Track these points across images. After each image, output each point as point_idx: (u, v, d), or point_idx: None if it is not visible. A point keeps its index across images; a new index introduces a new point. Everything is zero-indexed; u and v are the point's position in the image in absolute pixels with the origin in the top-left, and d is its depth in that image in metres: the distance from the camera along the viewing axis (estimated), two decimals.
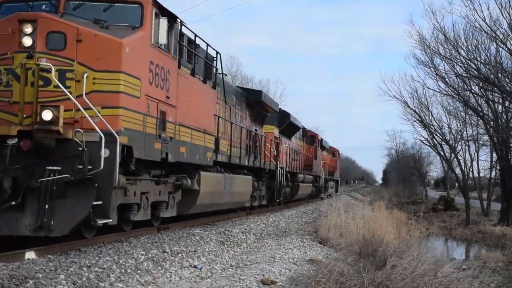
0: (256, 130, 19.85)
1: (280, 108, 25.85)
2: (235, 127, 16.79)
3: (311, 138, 35.11)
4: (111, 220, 9.01)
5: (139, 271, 8.01)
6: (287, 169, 25.02)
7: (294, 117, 27.90)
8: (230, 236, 12.86)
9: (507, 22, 21.89)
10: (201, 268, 9.16)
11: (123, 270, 7.80)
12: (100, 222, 8.72)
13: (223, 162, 15.28)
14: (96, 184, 8.21)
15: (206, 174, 13.24)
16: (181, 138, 11.42)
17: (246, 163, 17.84)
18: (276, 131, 24.06)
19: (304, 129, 33.17)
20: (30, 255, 7.77)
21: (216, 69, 14.70)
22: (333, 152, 50.60)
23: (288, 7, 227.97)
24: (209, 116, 13.61)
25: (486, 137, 33.67)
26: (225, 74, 17.92)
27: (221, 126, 14.94)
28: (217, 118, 14.56)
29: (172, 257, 9.28)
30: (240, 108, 17.98)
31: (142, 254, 8.88)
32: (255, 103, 19.42)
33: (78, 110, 8.57)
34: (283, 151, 24.99)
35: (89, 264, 7.63)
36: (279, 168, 22.25)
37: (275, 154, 22.52)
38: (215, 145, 14.11)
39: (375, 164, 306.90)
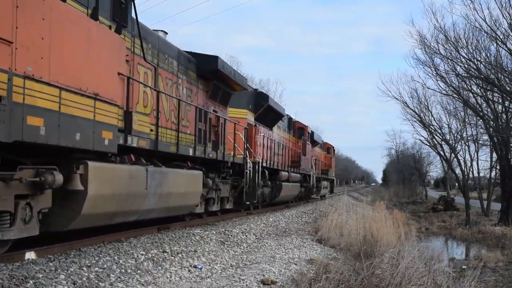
0: (215, 111, 15.17)
1: (257, 89, 22.42)
2: (170, 100, 11.93)
3: (299, 130, 30.33)
4: None
5: (139, 271, 8.01)
6: (267, 165, 21.46)
7: (274, 101, 23.46)
8: (230, 236, 12.86)
9: (507, 22, 21.91)
10: (201, 268, 9.16)
11: (123, 270, 7.80)
12: None
13: (145, 149, 10.49)
14: None
15: (99, 166, 8.55)
16: (28, 100, 6.64)
17: (191, 153, 12.87)
18: (250, 117, 19.64)
19: (290, 119, 29.02)
20: (30, 255, 7.77)
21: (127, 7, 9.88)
22: (328, 148, 46.08)
23: (288, 7, 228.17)
24: (107, 74, 8.61)
25: (486, 137, 33.72)
26: (165, 32, 12.81)
27: (137, 95, 10.33)
28: (127, 80, 9.61)
29: (172, 257, 9.29)
30: (186, 78, 13.27)
31: (142, 254, 8.88)
32: (211, 73, 14.40)
33: None
34: (260, 142, 20.67)
35: (89, 264, 7.64)
36: (248, 162, 17.67)
37: (246, 144, 17.76)
38: (125, 122, 9.64)
39: (375, 164, 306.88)
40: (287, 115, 28.05)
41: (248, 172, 17.50)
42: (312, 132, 34.45)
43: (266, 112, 21.25)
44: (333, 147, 48.59)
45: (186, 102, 12.89)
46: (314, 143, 35.11)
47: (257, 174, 18.43)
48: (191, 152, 12.84)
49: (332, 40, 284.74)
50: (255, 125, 20.12)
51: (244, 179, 17.20)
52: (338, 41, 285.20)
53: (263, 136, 21.30)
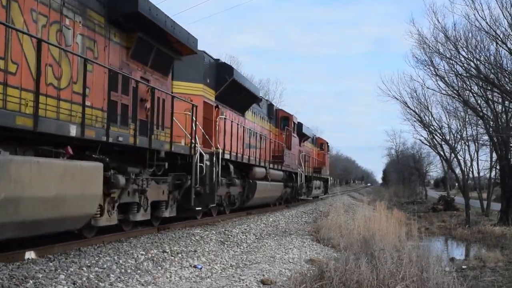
0: (148, 80, 11.08)
1: (218, 60, 16.35)
2: (45, 48, 7.67)
3: (283, 120, 25.73)
4: None
5: (139, 271, 8.01)
6: (234, 158, 17.26)
7: (243, 77, 18.38)
8: (230, 236, 12.86)
9: (508, 22, 21.91)
10: (201, 268, 9.16)
11: (123, 270, 7.80)
12: None
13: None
14: None
15: None
16: None
17: (74, 133, 8.26)
18: (207, 94, 15.14)
19: (271, 106, 24.82)
20: (30, 255, 7.77)
21: None
22: (321, 144, 41.49)
23: (289, 7, 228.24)
24: None
25: (486, 137, 33.71)
26: None
27: None
28: None
29: (172, 257, 9.29)
30: (83, 21, 8.85)
31: (142, 254, 8.88)
32: (131, 20, 9.97)
33: None
34: (224, 128, 16.40)
35: (89, 264, 7.64)
36: (201, 152, 13.15)
37: (195, 128, 13.16)
38: None
39: (375, 164, 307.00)
40: (267, 101, 24.98)
41: (203, 166, 13.16)
42: (300, 124, 29.62)
43: (232, 90, 16.63)
44: (327, 143, 43.95)
45: (80, 56, 8.54)
46: (303, 136, 30.91)
47: (214, 169, 14.31)
48: (73, 131, 8.18)
49: (332, 40, 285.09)
50: (217, 106, 15.80)
51: (191, 176, 12.62)
52: (338, 41, 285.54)
53: (230, 121, 17.13)
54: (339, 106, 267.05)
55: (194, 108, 13.15)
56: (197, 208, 13.49)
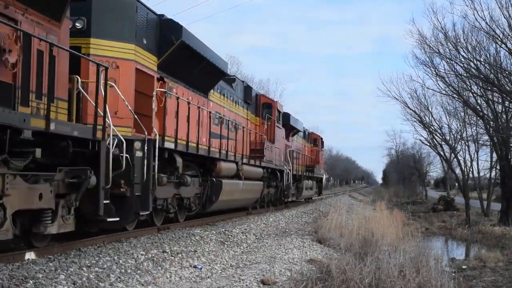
0: (15, 21, 7.24)
1: (163, 15, 12.21)
2: None
3: (265, 107, 21.74)
4: None
5: (139, 271, 8.01)
6: (187, 149, 13.05)
7: (199, 42, 13.22)
8: (230, 236, 12.87)
9: (507, 22, 21.92)
10: (201, 268, 9.16)
11: (123, 270, 7.80)
12: None
13: None
14: None
15: None
16: None
17: None
18: (143, 59, 11.19)
19: (249, 89, 20.31)
20: (30, 255, 7.77)
21: None
22: (314, 140, 36.72)
23: (292, 6, 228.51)
24: None
25: (486, 137, 33.73)
26: None
27: None
28: None
29: (172, 257, 9.29)
30: None
31: (142, 254, 8.89)
32: None
33: None
34: (177, 109, 12.46)
35: (89, 264, 7.64)
36: (111, 134, 9.18)
37: (105, 101, 9.02)
38: None
39: (375, 164, 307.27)
40: (244, 82, 20.52)
41: (129, 157, 9.73)
42: (287, 114, 25.69)
43: (186, 59, 12.72)
44: (321, 139, 39.10)
45: None
46: (292, 130, 27.11)
47: (151, 162, 10.61)
48: None
49: (335, 40, 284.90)
50: (161, 79, 11.88)
51: (100, 171, 8.61)
52: (342, 41, 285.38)
53: (186, 102, 13.00)
54: (340, 106, 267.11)
55: (103, 71, 8.90)
56: (109, 220, 9.02)
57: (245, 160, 18.37)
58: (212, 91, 15.61)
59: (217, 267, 9.65)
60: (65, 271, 7.06)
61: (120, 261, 8.18)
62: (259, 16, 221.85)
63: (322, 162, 40.34)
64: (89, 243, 9.26)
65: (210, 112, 15.09)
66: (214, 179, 15.30)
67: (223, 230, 13.38)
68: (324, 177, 44.70)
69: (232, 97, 18.04)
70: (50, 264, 7.37)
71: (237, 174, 17.36)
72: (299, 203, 30.63)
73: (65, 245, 8.70)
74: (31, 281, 6.38)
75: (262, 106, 21.74)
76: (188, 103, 13.19)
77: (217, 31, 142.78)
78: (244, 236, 13.47)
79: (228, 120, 17.05)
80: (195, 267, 9.16)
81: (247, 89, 20.26)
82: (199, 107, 13.99)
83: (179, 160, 12.65)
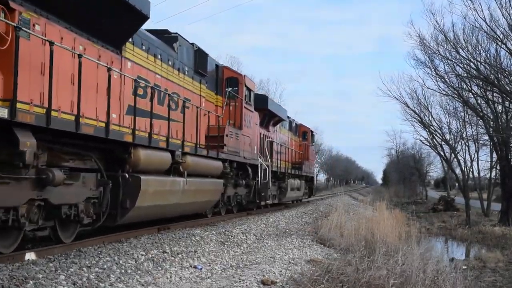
0: None
1: None
2: None
3: (229, 81, 16.98)
4: None
5: (139, 272, 8.01)
6: (57, 125, 8.01)
7: None
8: (230, 236, 12.86)
9: (507, 22, 21.92)
10: (201, 269, 9.16)
11: (123, 271, 7.80)
12: None
13: None
14: None
15: None
16: None
17: None
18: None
19: (201, 54, 14.84)
20: (30, 255, 7.77)
21: None
22: (303, 133, 31.90)
23: (293, 6, 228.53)
24: None
25: (486, 137, 33.75)
26: None
27: None
28: None
29: (172, 258, 9.29)
30: None
31: (142, 255, 8.89)
32: None
33: None
34: (33, 57, 7.76)
35: (89, 265, 7.64)
36: None
37: None
38: None
39: (375, 164, 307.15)
40: (194, 45, 14.61)
41: None
42: (264, 97, 22.23)
43: None
44: (312, 132, 34.07)
45: None
46: (272, 117, 22.63)
47: None
48: None
49: (337, 40, 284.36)
50: (9, 8, 7.37)
51: None
52: (343, 40, 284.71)
53: (67, 50, 8.53)
54: (340, 106, 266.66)
55: None
56: None
57: (186, 148, 12.87)
58: (131, 46, 10.98)
59: (217, 267, 9.65)
60: (65, 272, 7.06)
61: (120, 262, 8.18)
62: (259, 16, 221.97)
63: (313, 158, 35.44)
64: (89, 244, 9.27)
65: (125, 76, 10.39)
66: (127, 175, 10.36)
67: (223, 230, 13.38)
68: (315, 176, 37.79)
69: (172, 62, 13.05)
70: (50, 264, 7.38)
71: (174, 168, 12.28)
72: (299, 204, 30.50)
73: (65, 245, 8.70)
74: (31, 282, 6.38)
75: (225, 82, 16.88)
76: (79, 56, 8.52)
77: (217, 31, 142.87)
78: (244, 237, 13.47)
79: (164, 93, 12.21)
80: (195, 267, 9.16)
81: (200, 55, 14.69)
82: (100, 65, 9.39)
83: (23, 142, 7.24)
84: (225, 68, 17.43)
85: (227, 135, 15.82)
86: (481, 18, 22.79)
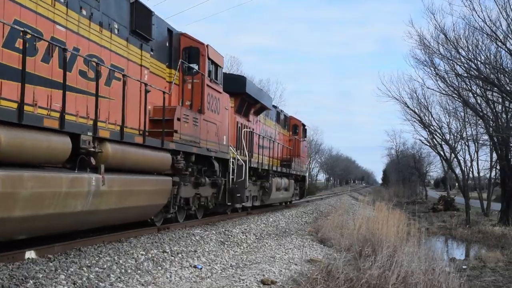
0: None
1: None
2: None
3: (188, 54, 13.56)
4: None
5: (139, 271, 8.01)
6: None
7: None
8: (230, 236, 12.86)
9: (507, 22, 21.91)
10: (201, 268, 9.16)
11: (123, 270, 7.80)
12: None
13: None
14: None
15: None
16: None
17: None
18: None
19: (142, 8, 11.00)
20: (30, 255, 7.77)
21: None
22: (294, 126, 28.57)
23: (295, 6, 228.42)
24: None
25: (486, 137, 33.77)
26: None
27: None
28: None
29: (172, 257, 9.29)
30: None
31: (142, 254, 8.88)
32: None
33: None
34: None
35: (89, 264, 7.64)
36: None
37: None
38: None
39: (375, 164, 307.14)
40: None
41: None
42: (241, 78, 18.79)
43: None
44: (304, 126, 30.38)
45: None
46: (252, 104, 19.22)
47: None
48: None
49: (339, 39, 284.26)
50: None
51: None
52: (345, 40, 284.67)
53: None
54: (341, 106, 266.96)
55: None
56: None
57: (108, 134, 9.41)
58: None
59: (217, 267, 9.65)
60: (65, 271, 7.06)
61: (120, 261, 8.18)
62: (260, 15, 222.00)
63: (304, 155, 31.54)
64: (89, 243, 9.26)
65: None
66: None
67: (223, 230, 13.38)
68: (307, 174, 33.27)
69: (90, 12, 9.29)
70: (50, 264, 7.37)
71: (84, 161, 8.78)
72: (298, 204, 30.38)
73: (65, 245, 8.69)
74: (31, 281, 6.38)
75: (182, 53, 13.41)
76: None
77: (218, 31, 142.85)
78: (244, 236, 13.47)
79: (69, 52, 8.45)
80: (195, 267, 9.16)
81: (140, 10, 10.94)
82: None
83: None
84: (182, 36, 13.50)
85: (179, 119, 11.95)
86: (480, 18, 22.79)
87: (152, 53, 11.79)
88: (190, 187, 13.45)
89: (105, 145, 9.26)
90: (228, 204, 16.19)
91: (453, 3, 34.51)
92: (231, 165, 15.94)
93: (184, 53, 13.45)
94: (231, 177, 15.92)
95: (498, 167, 33.48)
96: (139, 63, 11.10)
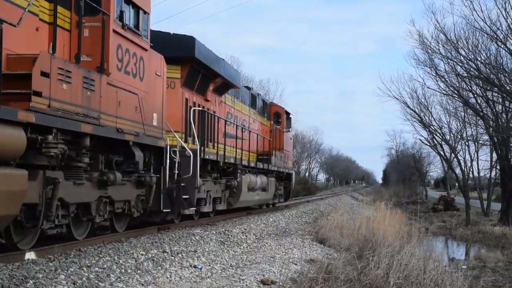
0: None
1: None
2: None
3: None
4: None
5: (139, 271, 8.01)
6: None
7: None
8: (230, 236, 12.86)
9: (507, 22, 21.92)
10: (201, 268, 9.15)
11: (123, 270, 7.80)
12: None
13: None
14: None
15: None
16: None
17: None
18: None
19: None
20: (30, 255, 7.77)
21: None
22: (276, 114, 24.11)
23: (295, 6, 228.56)
24: None
25: (486, 137, 33.77)
26: None
27: None
28: None
29: (172, 257, 9.28)
30: None
31: (142, 254, 8.88)
32: None
33: None
34: None
35: (89, 264, 7.63)
36: None
37: None
38: None
39: (375, 164, 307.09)
40: None
41: None
42: (190, 39, 13.51)
43: None
44: (289, 114, 26.08)
45: None
46: (211, 78, 15.39)
47: None
48: None
49: (339, 39, 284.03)
50: None
51: None
52: (345, 40, 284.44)
53: None
54: (341, 106, 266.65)
55: None
56: None
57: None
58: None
59: (217, 267, 9.64)
60: (65, 271, 7.06)
61: (120, 261, 8.17)
62: (260, 15, 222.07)
63: (290, 149, 27.06)
64: (89, 243, 9.27)
65: None
66: None
67: (223, 230, 13.38)
68: (293, 172, 28.83)
69: None
70: (50, 264, 7.37)
71: None
72: (298, 204, 30.28)
73: (65, 245, 8.69)
74: (31, 281, 6.38)
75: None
76: None
77: (218, 31, 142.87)
78: (244, 236, 13.47)
79: None
80: (195, 267, 9.16)
81: None
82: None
83: None
84: None
85: (46, 74, 7.28)
86: (480, 18, 22.80)
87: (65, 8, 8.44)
88: (89, 187, 8.97)
89: None
90: (165, 211, 11.63)
91: (454, 3, 34.46)
92: (167, 156, 11.51)
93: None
94: (167, 172, 11.50)
95: (498, 167, 33.48)
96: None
